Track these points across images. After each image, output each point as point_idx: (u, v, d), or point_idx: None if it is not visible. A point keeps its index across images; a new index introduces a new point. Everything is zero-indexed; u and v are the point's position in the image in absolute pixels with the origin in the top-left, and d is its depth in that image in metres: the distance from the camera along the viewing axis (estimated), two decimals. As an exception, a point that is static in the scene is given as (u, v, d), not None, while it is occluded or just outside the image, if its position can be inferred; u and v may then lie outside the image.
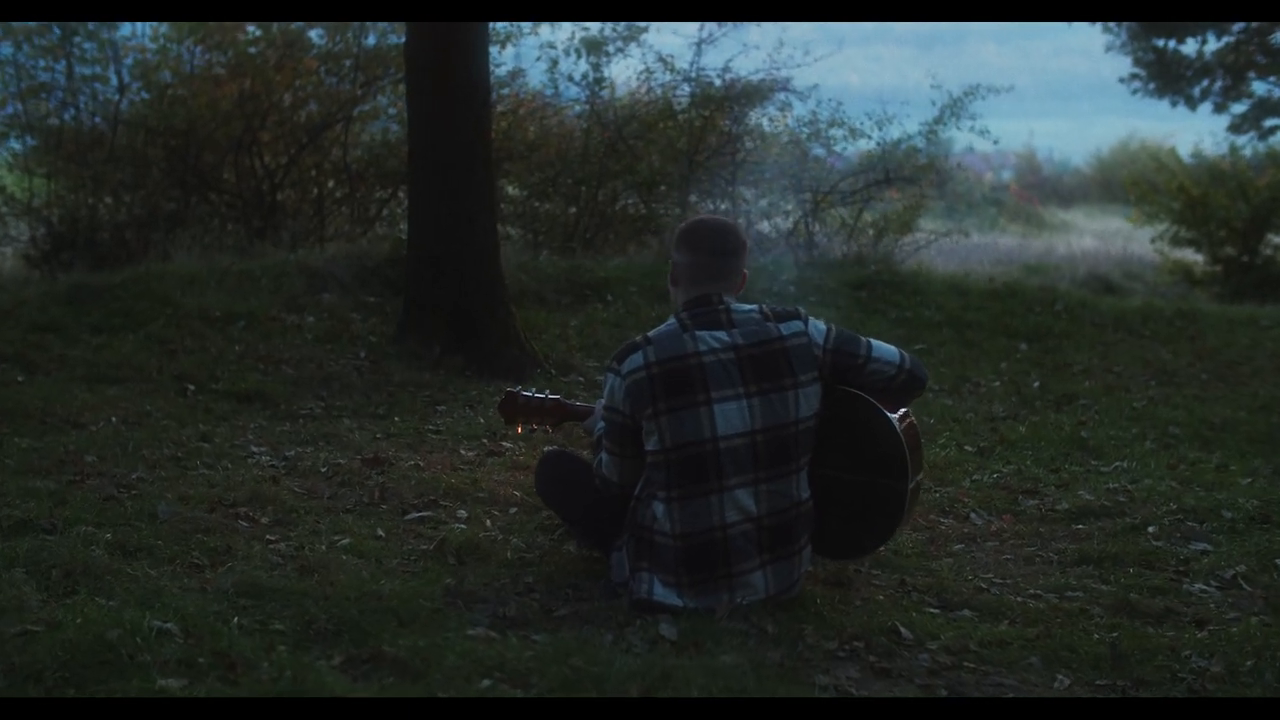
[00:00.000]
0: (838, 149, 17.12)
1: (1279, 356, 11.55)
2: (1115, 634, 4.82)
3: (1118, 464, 7.63)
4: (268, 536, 5.59)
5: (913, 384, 5.09)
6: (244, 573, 4.94)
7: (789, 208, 17.13)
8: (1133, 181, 23.45)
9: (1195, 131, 26.93)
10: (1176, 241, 22.18)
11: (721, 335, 4.89)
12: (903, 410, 5.08)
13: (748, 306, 4.99)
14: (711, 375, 4.84)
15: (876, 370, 5.02)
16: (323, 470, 6.76)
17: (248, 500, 6.08)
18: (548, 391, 5.76)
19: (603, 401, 5.53)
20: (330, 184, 15.54)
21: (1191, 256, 22.42)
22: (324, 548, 5.46)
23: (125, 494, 6.10)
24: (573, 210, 15.76)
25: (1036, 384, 10.17)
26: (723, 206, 17.01)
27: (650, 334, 4.97)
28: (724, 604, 4.85)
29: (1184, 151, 24.18)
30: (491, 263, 9.74)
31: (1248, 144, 22.11)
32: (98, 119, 14.83)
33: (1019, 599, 5.26)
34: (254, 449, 7.19)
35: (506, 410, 5.71)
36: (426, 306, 9.67)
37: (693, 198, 16.53)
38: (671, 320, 4.99)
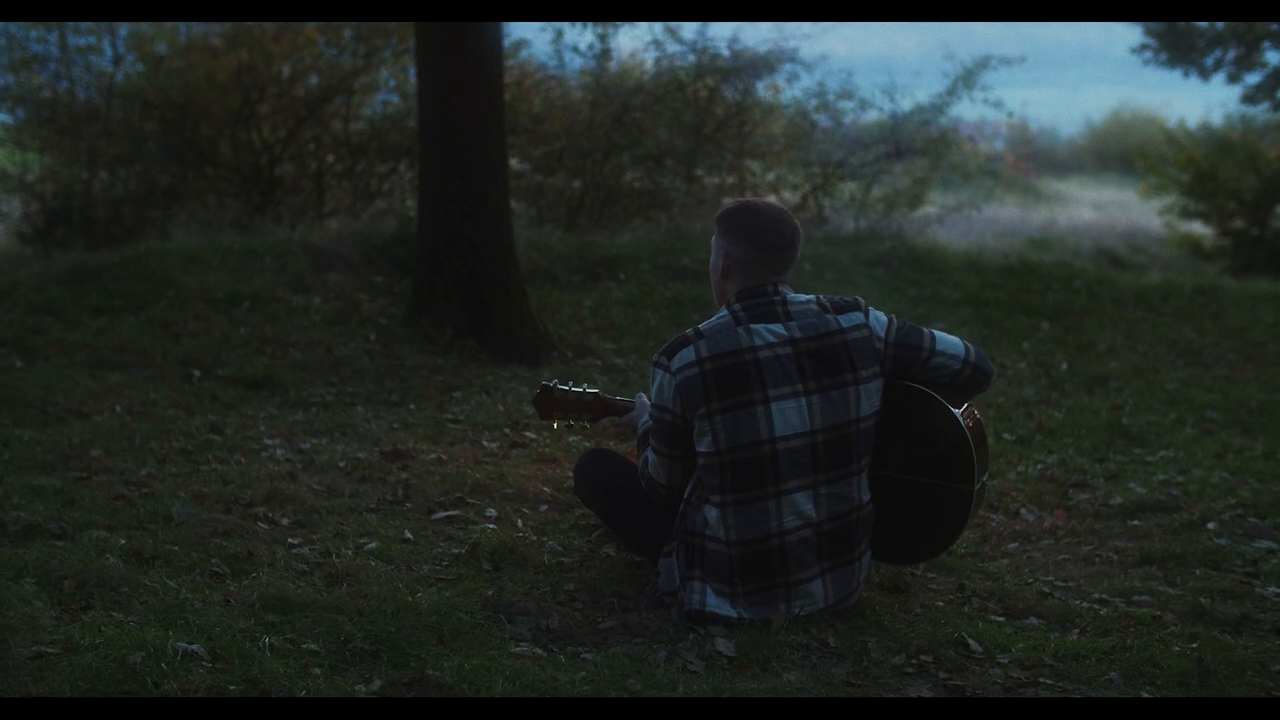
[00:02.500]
0: (847, 121, 16.83)
1: (1305, 335, 11.33)
2: (1195, 645, 4.54)
3: (1163, 453, 7.36)
4: (290, 540, 5.28)
5: (978, 378, 4.78)
6: (270, 584, 4.63)
7: (797, 181, 16.84)
8: (1140, 153, 23.15)
9: (1189, 100, 26.68)
10: (1185, 214, 21.93)
11: (778, 328, 4.58)
12: (965, 405, 4.77)
13: (804, 297, 4.68)
14: (768, 372, 4.53)
15: (940, 364, 4.71)
16: (341, 465, 6.45)
17: (265, 499, 5.78)
18: (585, 385, 5.43)
19: (641, 396, 5.26)
20: (330, 158, 15.21)
21: (1200, 230, 22.16)
22: (350, 552, 5.16)
23: (136, 492, 5.80)
24: (577, 184, 15.44)
25: (1065, 366, 9.90)
26: (729, 180, 16.75)
27: (701, 327, 4.65)
28: (780, 614, 4.56)
29: (1176, 121, 23.93)
30: (505, 243, 9.43)
31: (1259, 115, 21.80)
32: (92, 91, 14.48)
33: (1085, 605, 4.97)
34: (267, 441, 6.89)
35: (541, 405, 5.37)
36: (438, 288, 9.36)
37: (699, 171, 16.26)
38: (723, 312, 4.67)
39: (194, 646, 3.97)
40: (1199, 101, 31.14)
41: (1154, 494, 6.43)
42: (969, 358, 4.73)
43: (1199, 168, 21.39)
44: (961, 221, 19.61)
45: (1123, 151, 44.54)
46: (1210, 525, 5.93)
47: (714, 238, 4.78)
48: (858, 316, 4.65)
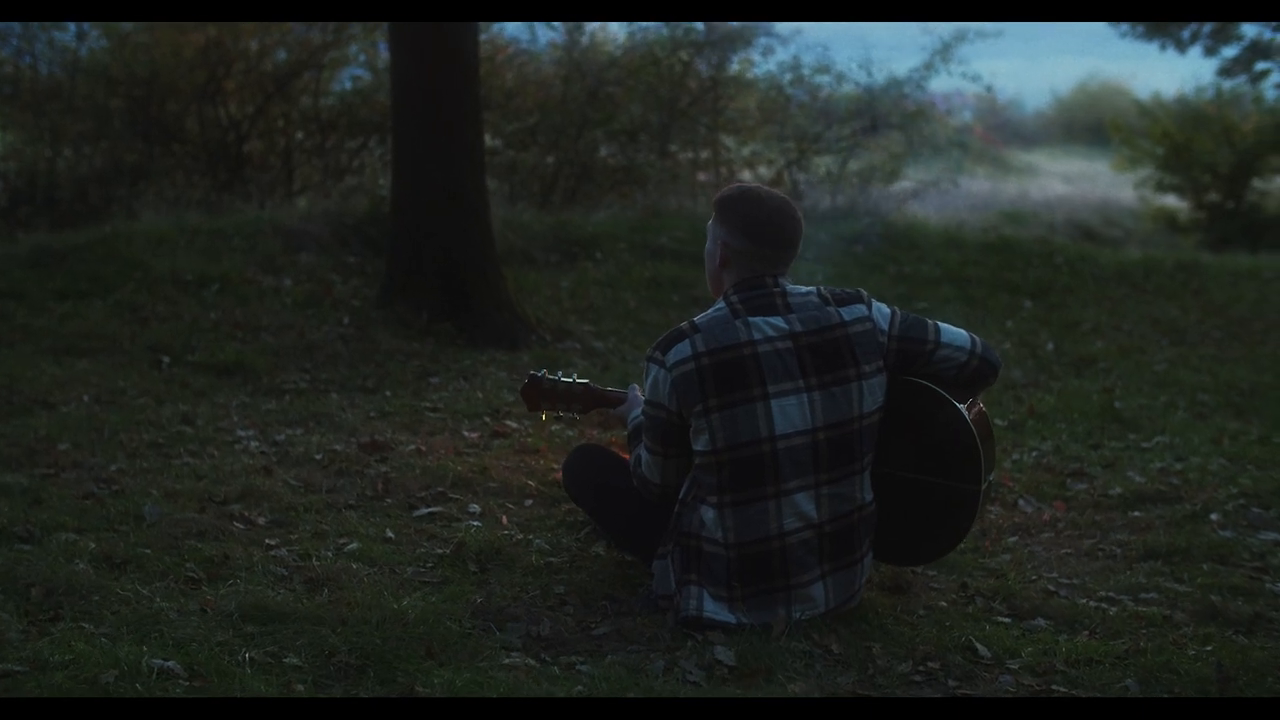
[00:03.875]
0: (823, 95, 16.64)
1: (1289, 312, 11.25)
2: (1210, 647, 4.38)
3: (1158, 439, 7.22)
4: (267, 541, 5.07)
5: (985, 371, 4.59)
6: (248, 591, 4.42)
7: (772, 156, 16.66)
8: (1115, 126, 23.03)
9: (1157, 72, 26.54)
10: (1160, 188, 21.82)
11: (777, 321, 4.38)
12: (970, 400, 4.59)
13: (804, 289, 4.48)
14: (768, 367, 4.33)
15: (946, 358, 4.52)
16: (318, 458, 6.24)
17: (240, 496, 5.56)
18: (575, 375, 5.21)
19: (634, 387, 5.07)
20: (299, 135, 14.94)
21: (1175, 203, 22.07)
22: (330, 554, 4.95)
23: (106, 490, 5.58)
24: (550, 160, 15.22)
25: (1051, 346, 9.77)
26: (703, 155, 16.57)
27: (697, 320, 4.44)
28: (780, 619, 4.38)
29: (1145, 93, 23.82)
30: (481, 223, 9.20)
31: (1233, 87, 21.69)
32: (55, 67, 14.18)
33: (1093, 604, 4.80)
34: (240, 433, 6.67)
35: (529, 396, 5.16)
36: (412, 270, 9.14)
37: (673, 146, 16.07)
38: (720, 304, 4.46)
39: (170, 663, 3.76)
40: (1166, 73, 31.03)
41: (1153, 483, 6.28)
42: (975, 350, 4.55)
43: (1174, 141, 21.27)
44: (934, 195, 19.47)
45: (1090, 123, 44.48)
46: (1213, 516, 5.78)
47: (710, 224, 4.56)
48: (860, 309, 4.45)
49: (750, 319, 4.37)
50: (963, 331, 4.58)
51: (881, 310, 4.50)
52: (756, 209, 4.44)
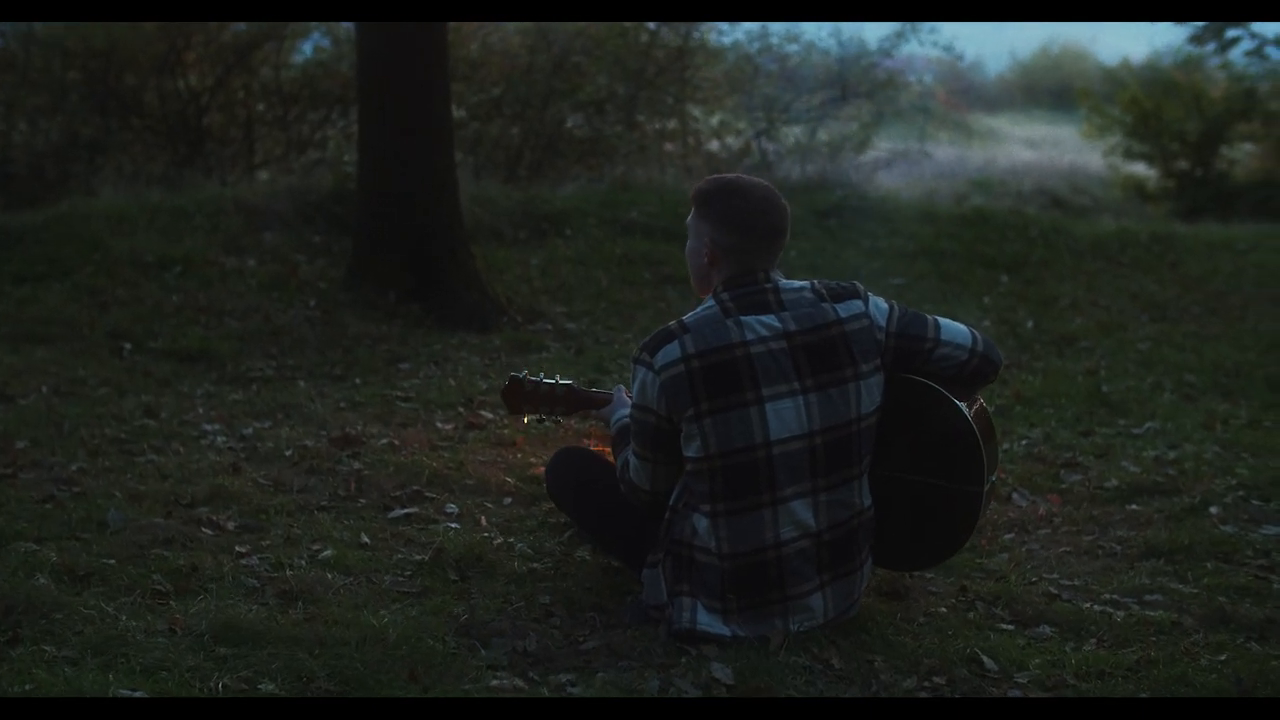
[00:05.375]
0: (792, 64, 16.46)
1: (1264, 284, 11.21)
2: (1223, 656, 4.21)
3: (1149, 424, 7.07)
4: (237, 548, 4.83)
5: (985, 369, 4.39)
6: (219, 607, 4.19)
7: (740, 126, 16.47)
8: (1084, 94, 22.90)
9: (1117, 36, 26.42)
10: (1129, 155, 21.69)
11: (770, 320, 4.16)
12: (972, 398, 4.40)
13: (798, 284, 4.27)
14: (762, 369, 4.12)
15: (945, 355, 4.31)
16: (287, 454, 6.01)
17: (208, 498, 5.33)
18: (558, 376, 4.99)
19: (620, 389, 4.86)
20: (260, 107, 14.64)
21: (1144, 171, 21.95)
22: (304, 562, 4.72)
23: (66, 492, 5.33)
24: (515, 131, 14.98)
25: (1031, 324, 9.61)
26: (671, 125, 16.36)
27: (686, 320, 4.22)
28: (778, 632, 4.18)
29: (1106, 56, 23.73)
30: (450, 201, 8.98)
31: (1201, 54, 21.59)
32: (9, 39, 13.83)
33: (1098, 608, 4.62)
34: (206, 427, 6.43)
35: (510, 399, 4.93)
36: (380, 250, 8.91)
37: (640, 117, 15.86)
38: (709, 303, 4.24)
39: (138, 693, 3.55)
40: (1127, 37, 30.87)
41: (1148, 474, 6.11)
42: (976, 347, 4.35)
43: (1142, 108, 21.14)
44: (902, 163, 19.35)
45: (1052, 87, 44.38)
46: (1213, 510, 5.61)
47: (691, 219, 4.33)
48: (857, 305, 4.24)
49: (742, 318, 4.15)
50: (964, 327, 4.37)
51: (879, 306, 4.29)
52: (741, 201, 4.21)
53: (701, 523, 4.17)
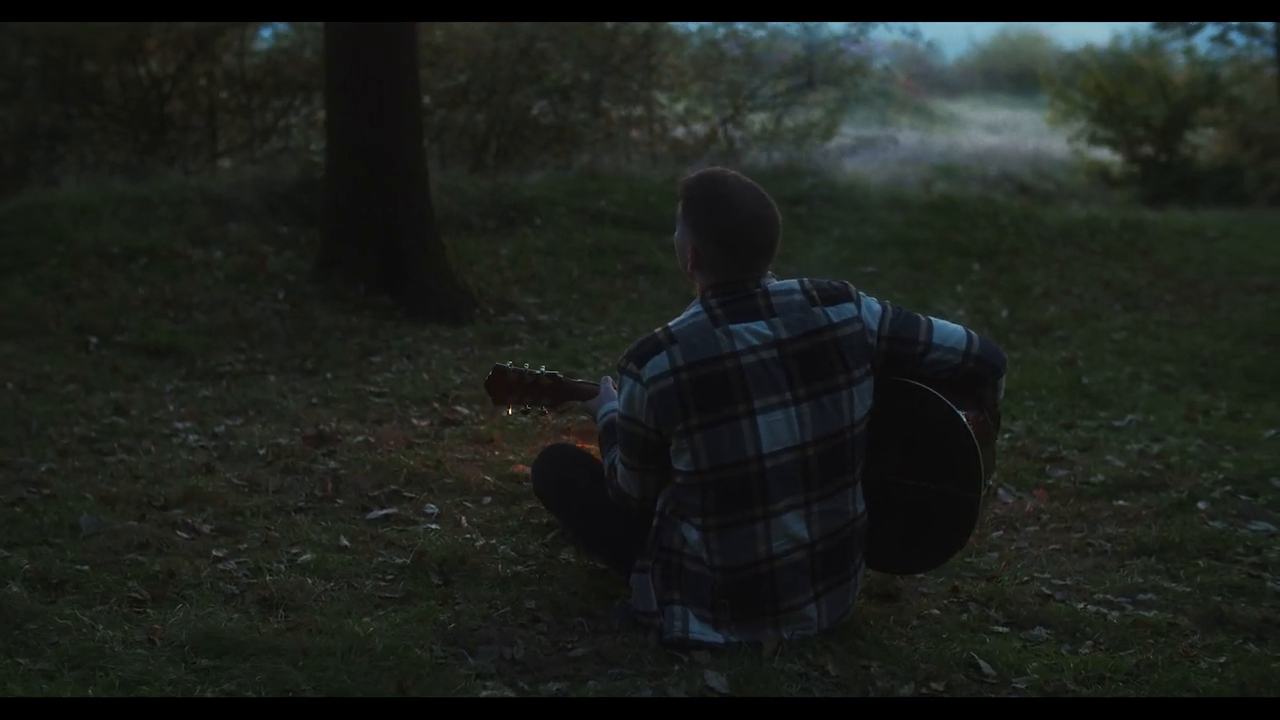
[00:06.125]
0: (758, 50, 16.40)
1: (1236, 272, 11.24)
2: (1223, 659, 4.13)
3: (1131, 417, 7.05)
4: (214, 552, 4.71)
5: (982, 372, 4.25)
6: (198, 616, 4.06)
7: (706, 112, 16.40)
8: (1048, 79, 22.90)
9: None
10: (1094, 141, 21.70)
11: (760, 328, 4.03)
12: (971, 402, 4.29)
13: (787, 285, 4.12)
14: (753, 379, 3.99)
15: (938, 360, 4.19)
16: (261, 453, 5.89)
17: (182, 499, 5.21)
18: (543, 366, 4.87)
19: (607, 380, 4.75)
20: (223, 94, 14.47)
21: (1109, 156, 21.96)
22: (283, 567, 4.61)
23: (36, 494, 5.20)
24: (480, 118, 14.86)
25: (1005, 313, 9.57)
26: (637, 111, 16.27)
27: (673, 328, 4.08)
28: (771, 639, 4.08)
29: (1065, 40, 23.79)
30: (420, 192, 8.87)
31: (1167, 41, 21.63)
32: (-35, 26, 13.65)
33: (1092, 608, 4.55)
34: (177, 424, 6.31)
35: (495, 390, 4.80)
36: (349, 241, 8.79)
37: (606, 103, 15.77)
38: (696, 308, 4.10)
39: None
40: (1088, 24, 30.81)
41: (1134, 468, 6.05)
42: (971, 350, 4.22)
43: (1107, 93, 21.14)
44: (866, 149, 19.31)
45: (1011, 71, 44.42)
46: (1201, 505, 5.55)
47: (679, 213, 4.21)
48: (849, 308, 4.11)
49: (731, 326, 4.02)
50: (959, 329, 4.25)
51: (871, 308, 4.16)
52: (727, 217, 4.03)
53: (692, 534, 4.06)
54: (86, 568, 4.45)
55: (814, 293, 4.11)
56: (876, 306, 4.17)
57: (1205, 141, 21.65)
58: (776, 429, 3.99)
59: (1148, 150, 21.17)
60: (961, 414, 4.16)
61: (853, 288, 4.18)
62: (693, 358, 3.98)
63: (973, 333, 4.26)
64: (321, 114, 13.91)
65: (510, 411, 4.92)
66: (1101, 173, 21.45)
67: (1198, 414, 7.06)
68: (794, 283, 4.13)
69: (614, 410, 4.46)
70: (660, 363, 3.99)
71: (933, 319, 4.24)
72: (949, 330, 4.22)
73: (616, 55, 15.51)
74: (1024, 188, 21.02)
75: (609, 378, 4.79)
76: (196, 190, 10.25)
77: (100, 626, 3.99)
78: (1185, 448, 6.40)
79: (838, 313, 4.08)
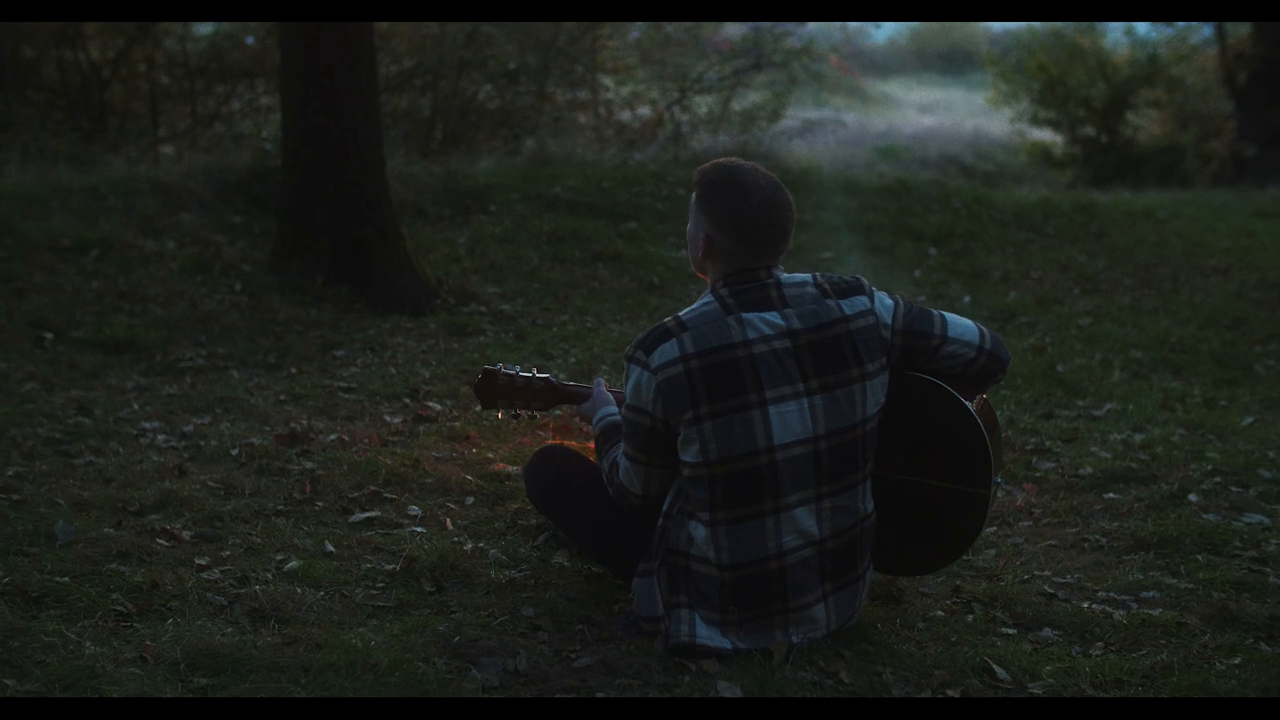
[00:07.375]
0: (703, 34, 16.30)
1: (1190, 255, 11.31)
2: (1237, 660, 4.06)
3: (1108, 406, 7.02)
4: (197, 561, 4.55)
5: (993, 368, 4.19)
6: (189, 631, 3.91)
7: (653, 96, 16.29)
8: (990, 59, 22.92)
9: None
10: (1035, 121, 21.73)
11: (773, 318, 3.94)
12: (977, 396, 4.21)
13: (799, 277, 4.04)
14: (765, 370, 3.90)
15: (952, 354, 4.12)
16: (234, 453, 5.72)
17: (157, 504, 5.04)
18: (534, 369, 4.74)
19: (599, 382, 4.63)
20: (165, 80, 14.20)
21: (1049, 137, 22.00)
22: (270, 575, 4.46)
23: (6, 501, 5.01)
24: (425, 102, 14.68)
25: (967, 299, 9.50)
26: (581, 94, 16.14)
27: (684, 316, 3.99)
28: (780, 645, 3.98)
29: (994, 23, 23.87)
30: (378, 180, 8.68)
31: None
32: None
33: (1097, 607, 4.48)
34: (145, 424, 6.13)
35: (484, 392, 4.67)
36: (306, 230, 8.61)
37: (551, 87, 15.63)
38: (708, 298, 4.02)
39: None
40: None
41: (1120, 460, 5.99)
42: (984, 345, 4.15)
43: (1049, 74, 21.17)
44: (810, 132, 19.27)
45: (943, 51, 44.50)
46: (1192, 498, 5.51)
47: (692, 202, 4.09)
48: (862, 301, 4.03)
49: (744, 316, 3.93)
50: (971, 324, 4.18)
51: (884, 301, 4.08)
52: (743, 203, 3.95)
53: (699, 531, 3.96)
54: (67, 579, 4.29)
55: (826, 286, 4.04)
56: (890, 301, 4.10)
57: (1146, 123, 21.72)
58: (789, 420, 3.89)
59: (1089, 131, 21.22)
60: (970, 407, 4.09)
61: (865, 282, 4.10)
62: (703, 345, 3.89)
63: (983, 327, 4.19)
64: (265, 99, 13.74)
65: (500, 415, 4.79)
66: (1043, 154, 21.50)
67: (1174, 402, 7.02)
68: (806, 276, 4.05)
69: (611, 414, 4.37)
70: (669, 350, 3.89)
71: (945, 314, 4.17)
72: (963, 325, 4.16)
73: (562, 39, 15.36)
74: (966, 169, 21.07)
75: (601, 380, 4.68)
76: (145, 180, 10.04)
77: (88, 643, 3.84)
78: (1168, 438, 6.35)
79: (850, 305, 4.00)
